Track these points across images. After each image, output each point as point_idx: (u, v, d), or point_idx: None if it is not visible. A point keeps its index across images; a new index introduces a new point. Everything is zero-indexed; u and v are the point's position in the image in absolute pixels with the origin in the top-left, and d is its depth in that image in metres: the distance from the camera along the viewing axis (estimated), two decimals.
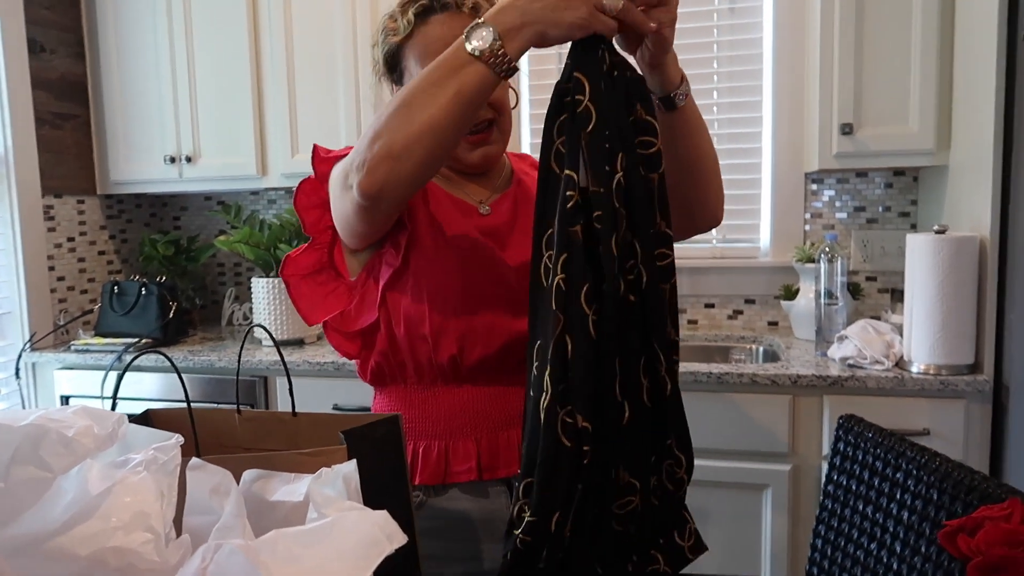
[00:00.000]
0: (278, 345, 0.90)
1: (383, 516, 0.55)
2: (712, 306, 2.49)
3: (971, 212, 1.88)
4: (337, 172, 1.01)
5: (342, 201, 0.99)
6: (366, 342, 1.12)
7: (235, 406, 0.91)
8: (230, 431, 0.94)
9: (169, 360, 0.73)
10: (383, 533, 0.53)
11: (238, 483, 0.69)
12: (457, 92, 0.87)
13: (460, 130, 0.91)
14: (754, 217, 2.47)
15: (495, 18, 0.86)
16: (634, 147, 0.87)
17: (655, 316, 0.86)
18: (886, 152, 2.04)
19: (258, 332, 2.39)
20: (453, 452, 1.07)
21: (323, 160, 1.09)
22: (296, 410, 0.90)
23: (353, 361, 1.17)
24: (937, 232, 1.80)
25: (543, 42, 0.86)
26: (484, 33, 0.85)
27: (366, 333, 1.11)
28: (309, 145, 2.42)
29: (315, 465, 0.73)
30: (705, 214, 1.09)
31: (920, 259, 1.81)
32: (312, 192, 1.10)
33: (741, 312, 2.48)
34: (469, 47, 0.86)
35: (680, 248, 2.50)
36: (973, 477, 1.12)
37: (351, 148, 1.05)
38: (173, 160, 2.54)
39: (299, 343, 2.39)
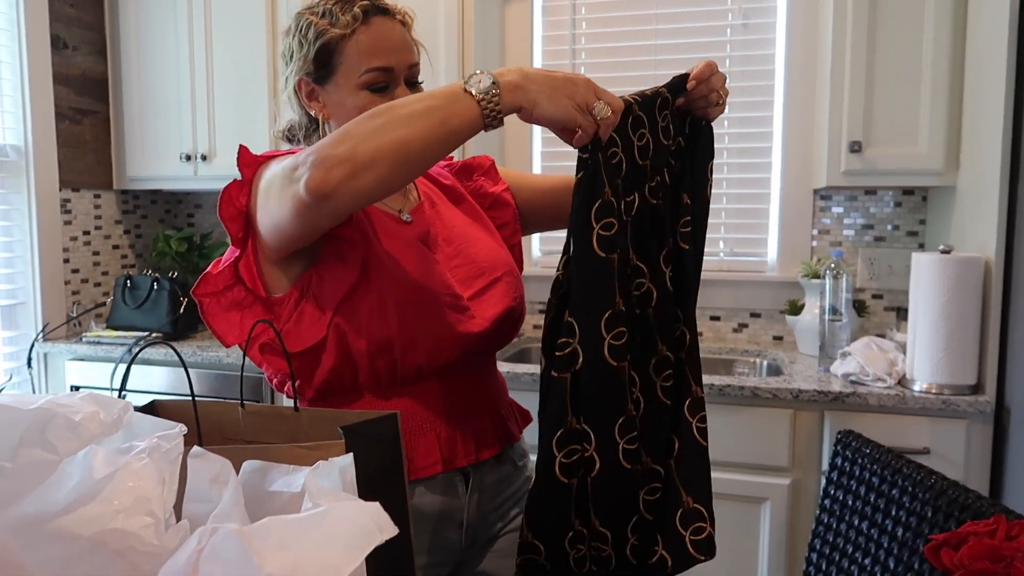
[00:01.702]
0: (283, 343, 0.92)
1: (375, 508, 0.57)
2: (718, 319, 2.50)
3: (977, 233, 1.88)
4: (280, 166, 0.95)
5: (280, 197, 0.94)
6: (307, 361, 1.05)
7: (239, 401, 0.93)
8: (233, 424, 0.96)
9: (176, 352, 0.75)
10: (375, 524, 0.55)
11: (237, 473, 0.71)
12: (441, 121, 0.88)
13: (428, 159, 0.91)
14: (762, 232, 2.48)
15: (498, 72, 0.90)
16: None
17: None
18: (894, 171, 2.05)
19: None
20: (414, 449, 1.06)
21: (248, 163, 1.02)
22: (298, 406, 0.92)
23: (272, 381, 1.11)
24: (943, 252, 1.81)
25: (530, 113, 0.90)
26: (483, 78, 0.89)
27: (307, 352, 1.04)
28: None
29: (313, 458, 0.74)
30: None
31: (925, 278, 1.82)
32: (236, 198, 1.02)
33: (746, 325, 2.48)
34: (466, 85, 0.89)
35: None
36: (967, 495, 1.13)
37: (280, 152, 1.04)
38: (189, 158, 2.57)
39: None
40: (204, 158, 2.56)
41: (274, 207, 0.96)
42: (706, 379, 1.93)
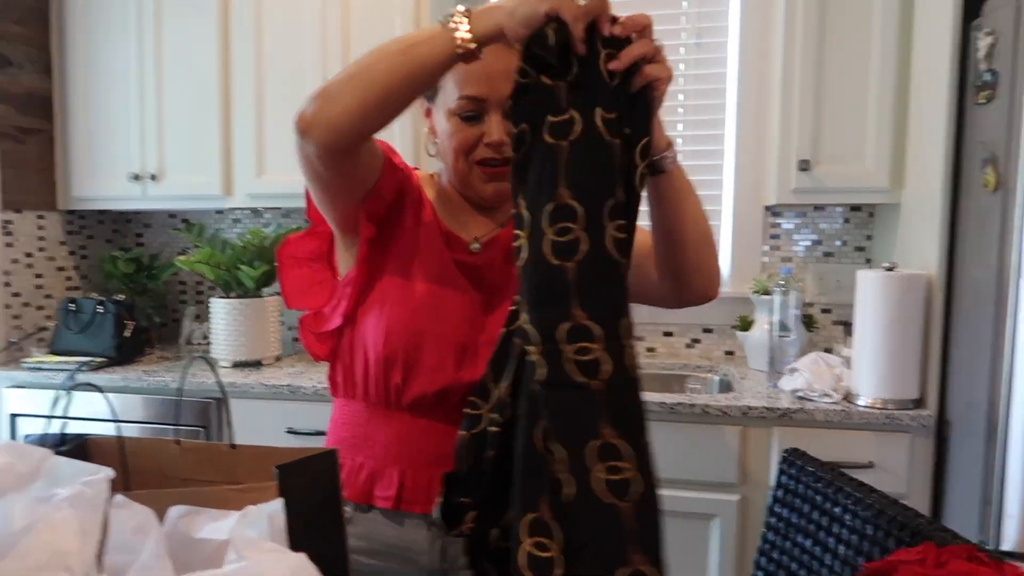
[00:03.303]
0: (219, 378, 0.90)
1: (300, 560, 0.56)
2: (671, 334, 2.53)
3: (921, 250, 1.93)
4: None
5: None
6: (333, 347, 1.13)
7: (188, 430, 0.92)
8: (170, 461, 0.94)
9: (98, 389, 0.73)
10: None
11: (165, 518, 0.70)
12: (405, 49, 0.90)
13: (393, 88, 0.91)
14: None
15: (471, 4, 0.91)
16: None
17: None
18: (842, 189, 2.10)
19: (215, 352, 2.38)
20: (378, 477, 1.09)
21: None
22: (237, 441, 0.90)
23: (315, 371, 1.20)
24: (887, 269, 1.85)
25: (507, 31, 0.86)
26: (455, 9, 0.90)
27: (335, 338, 1.12)
28: (276, 166, 2.42)
29: (244, 501, 0.73)
30: (693, 285, 1.09)
31: (870, 295, 1.86)
32: None
33: (699, 341, 2.51)
34: (438, 19, 0.90)
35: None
36: (906, 513, 1.16)
37: None
38: (137, 177, 2.52)
39: (256, 365, 2.37)
40: (153, 177, 2.52)
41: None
42: (658, 397, 1.94)
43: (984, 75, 1.67)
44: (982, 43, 1.69)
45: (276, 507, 0.65)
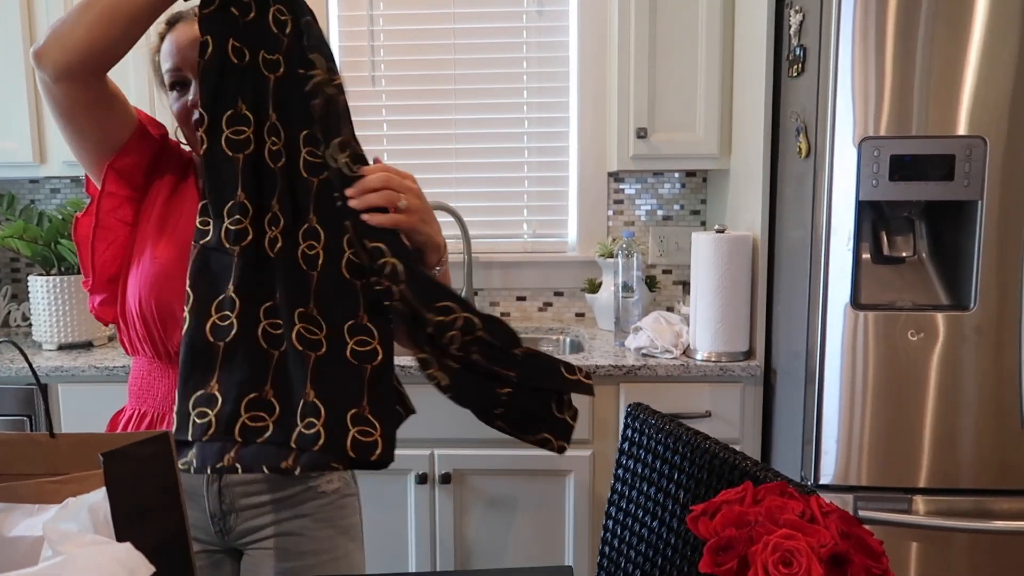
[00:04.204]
0: (31, 364, 0.83)
1: (125, 549, 0.53)
2: (523, 299, 2.58)
3: (747, 213, 2.07)
4: None
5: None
6: (116, 312, 1.19)
7: (9, 420, 0.84)
8: None
9: None
10: (123, 568, 0.51)
11: None
12: None
13: (114, 8, 0.97)
14: (562, 213, 2.58)
15: None
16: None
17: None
18: (676, 156, 2.20)
19: (37, 335, 2.18)
20: (158, 423, 1.17)
21: None
22: (66, 429, 0.84)
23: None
24: (717, 232, 1.97)
25: None
26: None
27: (114, 302, 1.18)
28: None
29: (65, 493, 0.68)
30: None
31: (703, 256, 1.97)
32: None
33: (551, 304, 2.58)
34: None
35: (493, 243, 2.55)
36: (735, 457, 1.25)
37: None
38: None
39: (87, 346, 2.20)
40: None
41: None
42: None
43: (795, 50, 1.80)
44: (793, 20, 1.81)
45: (98, 498, 0.60)
